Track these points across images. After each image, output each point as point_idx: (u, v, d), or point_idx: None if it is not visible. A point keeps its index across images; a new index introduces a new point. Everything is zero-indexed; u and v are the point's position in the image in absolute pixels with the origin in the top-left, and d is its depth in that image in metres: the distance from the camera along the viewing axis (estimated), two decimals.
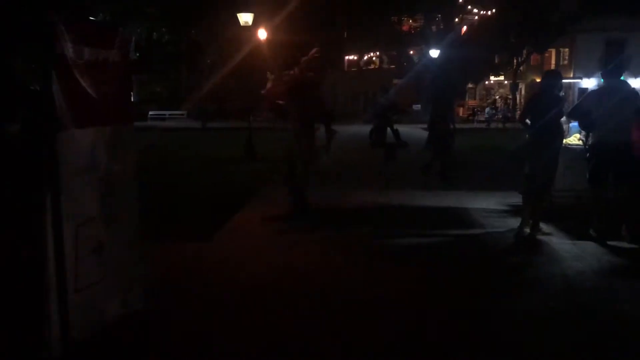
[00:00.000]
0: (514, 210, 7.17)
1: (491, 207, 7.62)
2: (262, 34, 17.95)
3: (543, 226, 6.23)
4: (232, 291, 4.41)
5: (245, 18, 16.99)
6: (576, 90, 47.77)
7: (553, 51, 48.01)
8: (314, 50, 7.37)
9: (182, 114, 39.86)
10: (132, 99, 4.04)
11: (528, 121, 6.27)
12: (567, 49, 47.85)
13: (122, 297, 3.57)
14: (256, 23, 17.41)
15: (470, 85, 46.98)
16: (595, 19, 43.48)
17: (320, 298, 4.25)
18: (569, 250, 5.57)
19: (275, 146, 17.74)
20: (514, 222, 6.45)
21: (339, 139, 16.94)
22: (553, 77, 6.32)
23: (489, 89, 52.14)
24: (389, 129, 16.10)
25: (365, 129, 16.73)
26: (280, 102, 7.37)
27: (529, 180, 6.21)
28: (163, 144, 19.85)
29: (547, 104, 6.02)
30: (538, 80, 49.71)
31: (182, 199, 8.33)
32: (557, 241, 5.93)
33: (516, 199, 7.12)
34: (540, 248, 5.74)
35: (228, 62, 30.88)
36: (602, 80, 6.10)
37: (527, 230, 6.14)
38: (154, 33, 34.94)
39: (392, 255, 5.60)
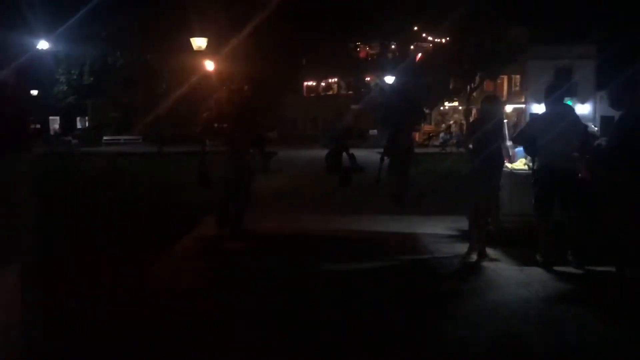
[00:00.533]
0: (462, 236, 7.09)
1: (440, 232, 7.53)
2: (209, 65, 17.85)
3: (490, 252, 6.16)
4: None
5: (199, 43, 16.86)
6: (527, 115, 49.21)
7: (505, 77, 49.47)
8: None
9: (137, 139, 39.18)
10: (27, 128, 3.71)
11: (470, 146, 6.27)
12: (518, 76, 49.38)
13: None
14: (213, 48, 17.36)
15: (425, 111, 47.74)
16: (545, 47, 45.14)
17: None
18: (515, 277, 5.48)
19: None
20: (462, 248, 6.38)
21: (296, 163, 16.87)
22: (489, 102, 6.35)
23: (444, 115, 53.15)
24: (344, 154, 16.06)
25: (323, 153, 16.68)
26: (213, 124, 7.64)
27: (474, 205, 6.18)
28: (108, 170, 19.35)
29: (487, 129, 6.00)
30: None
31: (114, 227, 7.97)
32: (504, 267, 5.85)
33: (466, 224, 7.09)
34: (487, 274, 5.64)
35: (183, 86, 30.65)
36: (545, 105, 6.05)
37: (474, 256, 6.07)
38: (109, 57, 34.45)
39: (328, 280, 5.44)
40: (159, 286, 5.25)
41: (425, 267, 6.03)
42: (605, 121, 46.57)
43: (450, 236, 7.35)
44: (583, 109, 48.46)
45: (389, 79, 31.85)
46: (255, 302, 4.79)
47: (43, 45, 29.44)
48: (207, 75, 29.31)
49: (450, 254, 6.39)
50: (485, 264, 5.93)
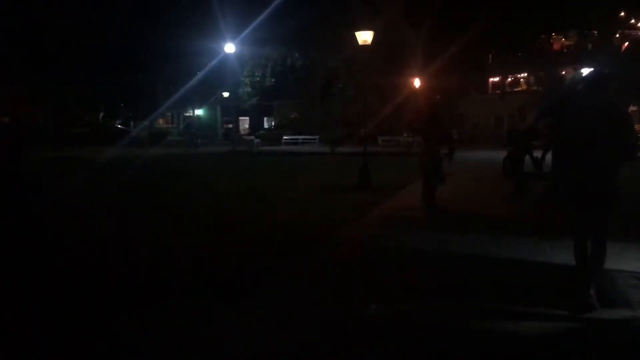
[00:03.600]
0: None
1: None
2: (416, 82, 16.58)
3: None
4: None
5: (364, 37, 15.77)
6: None
7: None
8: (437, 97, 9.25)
9: (314, 139, 39.73)
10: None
11: None
12: None
13: None
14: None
15: (632, 108, 41.60)
16: None
17: None
18: None
19: (396, 173, 16.56)
20: None
21: (470, 166, 15.17)
22: None
23: None
24: (527, 157, 13.81)
25: (503, 155, 14.69)
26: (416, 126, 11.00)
27: None
28: (275, 169, 19.29)
29: None
30: None
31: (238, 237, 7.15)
32: None
33: None
34: None
35: (360, 87, 30.12)
36: None
37: None
38: (288, 59, 35.27)
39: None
40: None
41: (620, 327, 4.07)
42: None
43: None
44: None
45: (586, 72, 27.88)
46: None
47: (230, 48, 31.03)
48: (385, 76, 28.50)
49: None
50: None
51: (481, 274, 5.44)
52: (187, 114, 51.80)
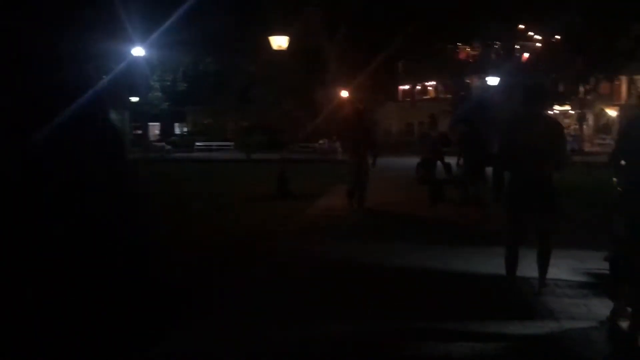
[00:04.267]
0: (598, 286, 5.06)
1: (563, 278, 5.47)
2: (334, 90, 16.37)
3: None
4: None
5: (278, 42, 15.50)
6: None
7: (624, 78, 44.69)
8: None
9: (229, 146, 39.01)
10: None
11: (623, 162, 4.27)
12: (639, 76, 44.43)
13: None
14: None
15: None
16: None
17: None
18: None
19: (314, 180, 16.38)
20: (600, 308, 4.39)
21: (383, 173, 15.34)
22: None
23: None
24: (438, 163, 14.05)
25: (415, 161, 14.89)
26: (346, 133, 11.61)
27: (623, 246, 4.17)
28: (189, 177, 18.62)
29: None
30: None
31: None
32: None
33: (601, 265, 5.15)
34: None
35: (277, 94, 29.89)
36: None
37: (624, 324, 4.06)
38: (200, 63, 34.38)
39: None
40: None
41: (547, 342, 3.99)
42: None
43: (581, 285, 5.28)
44: None
45: (492, 81, 29.16)
46: None
47: (138, 52, 29.69)
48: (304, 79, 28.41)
49: (585, 319, 4.36)
50: None
51: (413, 287, 5.29)
52: None
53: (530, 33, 42.45)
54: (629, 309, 4.05)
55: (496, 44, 41.66)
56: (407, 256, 6.47)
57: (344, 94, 36.16)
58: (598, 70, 36.65)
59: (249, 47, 29.76)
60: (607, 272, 4.53)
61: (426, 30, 37.76)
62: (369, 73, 38.85)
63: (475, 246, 6.89)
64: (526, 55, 40.06)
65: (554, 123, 5.00)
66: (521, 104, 4.84)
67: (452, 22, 37.48)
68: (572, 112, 46.44)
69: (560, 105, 44.23)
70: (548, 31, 38.53)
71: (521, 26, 41.40)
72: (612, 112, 46.42)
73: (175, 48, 32.47)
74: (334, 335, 4.01)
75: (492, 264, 5.71)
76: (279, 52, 15.70)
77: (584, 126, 41.65)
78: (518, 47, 41.33)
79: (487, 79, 29.70)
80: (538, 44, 42.44)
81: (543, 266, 4.82)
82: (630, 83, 45.63)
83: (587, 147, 36.90)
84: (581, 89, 39.34)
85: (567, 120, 47.98)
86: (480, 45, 42.34)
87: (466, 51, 46.00)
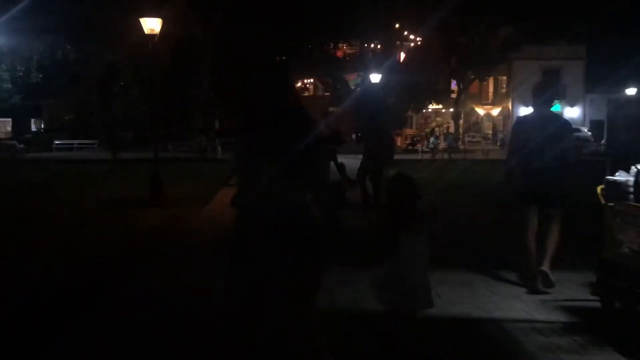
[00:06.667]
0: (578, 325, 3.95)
1: (540, 319, 4.22)
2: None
3: None
4: None
5: (150, 24, 13.43)
6: (514, 118, 46.90)
7: (491, 79, 47.06)
8: None
9: (92, 144, 35.40)
10: None
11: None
12: (505, 77, 47.04)
13: None
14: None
15: (408, 114, 45.00)
16: (532, 47, 42.81)
17: None
18: None
19: (193, 183, 14.54)
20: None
21: None
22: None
23: (426, 118, 50.40)
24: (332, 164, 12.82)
25: None
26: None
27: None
28: (43, 181, 15.93)
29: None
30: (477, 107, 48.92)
31: None
32: None
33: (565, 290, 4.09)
34: None
35: (144, 85, 27.32)
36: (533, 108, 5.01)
37: None
38: (59, 52, 30.57)
39: None
40: None
41: None
42: (595, 125, 44.55)
43: (571, 326, 4.05)
44: (572, 112, 46.32)
45: (373, 78, 28.84)
46: None
47: None
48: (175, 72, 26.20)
49: None
50: None
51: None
52: None
53: (406, 33, 43.19)
54: None
55: (374, 43, 41.93)
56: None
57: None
58: (471, 69, 38.00)
59: (114, 34, 26.75)
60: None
61: (304, 26, 36.94)
62: (245, 68, 37.13)
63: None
64: (402, 54, 40.64)
65: (563, 120, 5.13)
66: (532, 103, 4.98)
67: (329, 20, 36.96)
68: (444, 110, 48.14)
69: (435, 103, 45.60)
70: (423, 32, 39.34)
71: (397, 25, 41.98)
72: (480, 111, 48.74)
73: (28, 34, 28.52)
74: None
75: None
76: (151, 37, 13.59)
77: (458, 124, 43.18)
78: (396, 45, 41.85)
79: (370, 76, 29.32)
80: (413, 44, 43.36)
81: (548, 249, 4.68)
82: (496, 83, 48.23)
83: (461, 145, 38.08)
84: (455, 88, 40.65)
85: (439, 119, 49.72)
86: (358, 43, 42.42)
87: (343, 49, 45.88)
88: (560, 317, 4.05)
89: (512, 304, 4.34)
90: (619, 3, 41.65)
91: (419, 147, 34.47)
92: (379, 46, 41.32)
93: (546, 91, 4.94)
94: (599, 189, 4.09)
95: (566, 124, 5.03)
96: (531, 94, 4.96)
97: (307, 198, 2.47)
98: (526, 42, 40.50)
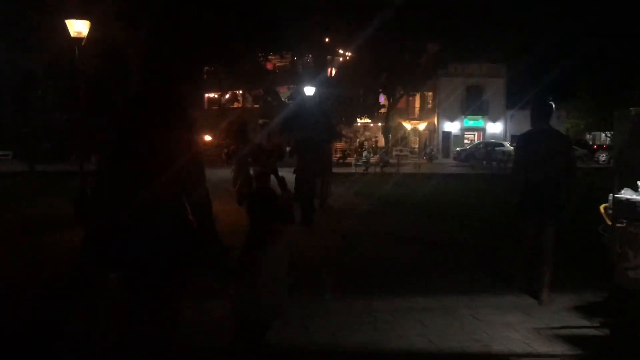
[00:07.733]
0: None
1: (543, 351, 3.85)
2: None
3: None
4: None
5: (78, 27, 12.46)
6: (440, 132, 48.13)
7: (418, 95, 48.16)
8: None
9: (6, 155, 33.00)
10: None
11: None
12: (430, 93, 48.26)
13: None
14: None
15: (339, 128, 45.10)
16: (456, 65, 44.19)
17: None
18: None
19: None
20: None
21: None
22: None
23: (355, 132, 50.80)
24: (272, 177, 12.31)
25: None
26: None
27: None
28: None
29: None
30: (404, 122, 49.87)
31: None
32: None
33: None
34: None
35: (65, 93, 25.65)
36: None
37: None
38: None
39: None
40: None
41: None
42: (515, 140, 46.50)
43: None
44: (495, 128, 48.11)
45: (307, 91, 28.61)
46: None
47: None
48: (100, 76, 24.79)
49: None
50: None
51: None
52: None
53: (337, 48, 43.31)
54: None
55: (305, 56, 41.79)
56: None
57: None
58: (401, 85, 38.54)
59: (30, 38, 24.96)
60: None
61: (233, 36, 36.22)
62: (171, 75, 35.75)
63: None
64: (334, 69, 40.67)
65: (564, 136, 5.26)
66: (531, 120, 5.05)
67: (259, 31, 36.45)
68: (372, 125, 48.67)
69: (363, 118, 45.96)
70: (353, 47, 39.57)
71: (327, 40, 42.00)
72: (407, 125, 49.65)
73: None
74: None
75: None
76: (78, 41, 12.61)
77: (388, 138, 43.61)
78: (327, 59, 41.85)
79: (303, 89, 29.04)
80: (342, 59, 43.51)
81: (545, 273, 4.75)
82: (422, 98, 49.38)
83: (391, 159, 38.46)
84: (384, 102, 41.11)
85: (367, 133, 50.21)
86: (289, 55, 42.18)
87: (273, 62, 45.43)
88: (563, 348, 3.78)
89: (507, 334, 4.03)
90: (532, 26, 43.90)
91: (351, 160, 34.52)
92: (309, 59, 41.20)
93: (543, 107, 5.04)
94: (602, 207, 3.88)
95: (566, 138, 5.21)
96: (530, 112, 5.10)
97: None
98: (452, 59, 41.69)
